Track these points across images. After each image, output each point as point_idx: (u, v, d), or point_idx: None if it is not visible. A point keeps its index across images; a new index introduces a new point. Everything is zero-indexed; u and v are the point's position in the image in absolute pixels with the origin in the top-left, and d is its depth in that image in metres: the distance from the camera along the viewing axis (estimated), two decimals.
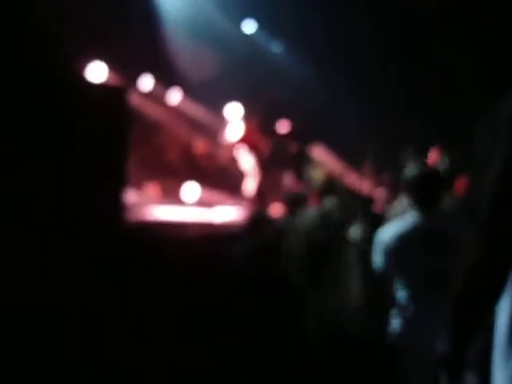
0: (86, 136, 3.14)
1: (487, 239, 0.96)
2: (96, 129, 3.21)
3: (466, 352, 1.04)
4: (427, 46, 6.18)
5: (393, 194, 5.16)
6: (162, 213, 5.30)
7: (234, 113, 6.78)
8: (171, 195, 6.31)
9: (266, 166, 6.43)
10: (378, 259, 2.04)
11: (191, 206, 6.06)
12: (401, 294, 1.99)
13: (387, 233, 2.03)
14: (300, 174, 6.82)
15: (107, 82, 5.85)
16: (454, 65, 5.92)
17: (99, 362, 2.61)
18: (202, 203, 6.19)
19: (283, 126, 7.42)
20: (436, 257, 1.91)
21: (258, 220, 3.24)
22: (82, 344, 2.63)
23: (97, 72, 5.89)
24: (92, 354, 2.62)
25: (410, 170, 2.03)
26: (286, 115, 7.36)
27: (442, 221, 2.00)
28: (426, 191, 1.98)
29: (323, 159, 6.96)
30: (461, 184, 4.41)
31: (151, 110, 6.72)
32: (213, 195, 6.45)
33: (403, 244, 1.97)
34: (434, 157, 6.09)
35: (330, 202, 2.75)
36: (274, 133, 7.24)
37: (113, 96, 3.33)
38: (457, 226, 2.02)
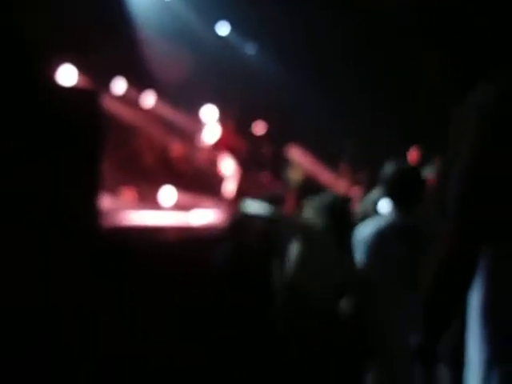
0: (57, 140, 3.06)
1: (458, 230, 0.97)
2: (68, 133, 3.14)
3: (439, 342, 1.05)
4: (398, 45, 6.29)
5: (368, 193, 5.22)
6: (139, 217, 5.22)
7: (209, 115, 6.76)
8: (148, 199, 6.23)
9: (244, 167, 6.42)
10: (356, 256, 2.04)
11: (168, 210, 6.00)
12: (380, 292, 2.00)
13: (365, 231, 2.03)
14: (277, 175, 6.85)
15: (78, 85, 5.74)
16: (424, 61, 6.03)
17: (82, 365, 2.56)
18: (179, 207, 6.13)
19: (259, 128, 7.44)
20: (412, 255, 1.92)
21: (238, 222, 3.22)
22: (59, 347, 2.57)
23: (67, 75, 5.78)
24: (70, 355, 2.57)
25: (389, 168, 2.03)
26: (262, 116, 7.38)
27: (419, 219, 2.00)
28: (403, 189, 1.99)
29: (300, 159, 6.99)
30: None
31: (125, 114, 6.63)
32: (190, 198, 6.41)
33: (380, 242, 1.98)
34: (414, 156, 6.19)
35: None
36: (250, 134, 7.24)
37: (84, 99, 3.26)
38: (435, 225, 2.03)
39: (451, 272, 0.98)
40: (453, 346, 1.17)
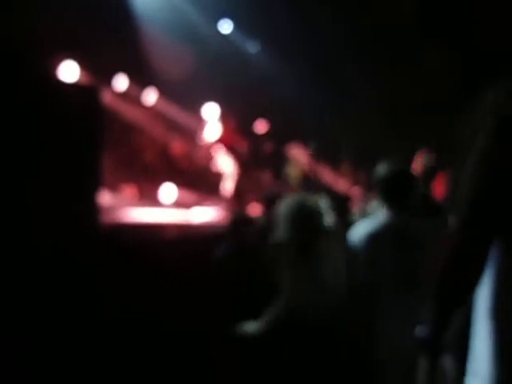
0: (58, 136, 3.06)
1: (469, 226, 0.99)
2: (68, 129, 3.13)
3: (445, 334, 1.08)
4: (402, 44, 6.28)
5: (368, 192, 5.23)
6: (139, 215, 5.22)
7: (211, 113, 6.74)
8: (148, 197, 6.23)
9: (244, 166, 6.42)
10: (349, 257, 2.03)
11: (169, 208, 6.00)
12: (374, 292, 1.99)
13: (358, 232, 2.03)
14: (278, 174, 6.84)
15: (80, 81, 5.74)
16: (432, 63, 6.03)
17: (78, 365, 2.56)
18: (179, 204, 6.13)
19: (261, 126, 7.43)
20: (405, 256, 1.91)
21: (238, 220, 3.21)
22: (57, 347, 2.57)
23: (69, 71, 5.78)
24: (69, 356, 2.56)
25: (382, 169, 2.02)
26: (264, 115, 7.37)
27: (412, 220, 1.99)
28: (396, 190, 1.98)
29: (301, 158, 6.99)
30: (440, 181, 4.48)
31: (127, 111, 6.63)
32: (190, 196, 6.40)
33: (374, 243, 1.96)
34: (419, 160, 6.14)
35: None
36: (251, 133, 7.23)
37: (85, 96, 3.26)
38: (427, 226, 2.03)
39: (461, 267, 1.00)
40: (458, 338, 1.19)
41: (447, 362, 1.55)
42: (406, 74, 6.34)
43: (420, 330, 1.11)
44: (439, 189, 4.10)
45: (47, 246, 2.93)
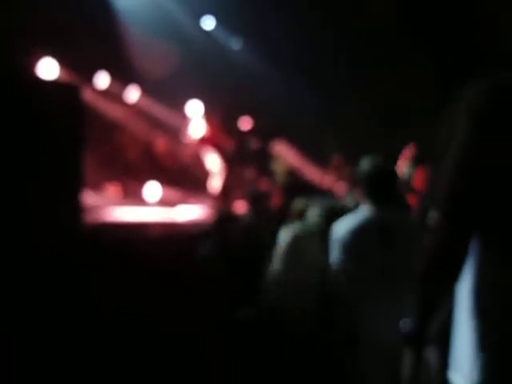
0: (38, 136, 3.00)
1: (449, 222, 1.01)
2: (48, 128, 3.07)
3: (428, 327, 1.10)
4: (386, 41, 6.32)
5: (352, 188, 5.26)
6: (123, 213, 5.17)
7: (195, 110, 6.70)
8: (133, 195, 6.17)
9: (229, 163, 6.40)
10: (333, 252, 2.03)
11: (153, 206, 5.95)
12: (356, 287, 2.00)
13: (342, 227, 2.03)
14: (263, 171, 6.84)
15: (60, 79, 5.64)
16: (411, 63, 6.10)
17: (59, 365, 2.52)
18: (164, 202, 6.09)
19: (245, 123, 7.41)
20: (388, 251, 1.92)
21: (223, 217, 3.20)
22: (41, 347, 2.53)
23: (48, 69, 5.67)
24: (51, 356, 2.52)
25: (364, 164, 2.03)
26: (248, 112, 7.35)
27: (395, 215, 2.01)
28: (379, 185, 1.99)
29: (286, 155, 6.99)
30: (420, 176, 4.53)
31: (109, 109, 6.54)
32: (175, 194, 6.36)
33: (357, 238, 1.97)
34: (406, 156, 6.21)
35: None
36: (236, 130, 7.21)
37: (65, 93, 3.20)
38: (409, 221, 2.04)
39: (442, 261, 1.02)
40: (442, 331, 1.21)
41: (431, 355, 1.57)
42: (391, 74, 6.39)
43: (404, 324, 1.13)
44: (420, 185, 4.15)
45: (28, 246, 2.87)
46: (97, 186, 5.73)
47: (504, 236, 0.96)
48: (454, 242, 1.01)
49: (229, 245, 3.10)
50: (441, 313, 1.10)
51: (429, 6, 5.73)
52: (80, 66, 5.90)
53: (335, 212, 1.86)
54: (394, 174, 2.09)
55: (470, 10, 5.22)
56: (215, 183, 6.24)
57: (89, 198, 4.74)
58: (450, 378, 1.05)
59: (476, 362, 0.97)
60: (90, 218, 4.02)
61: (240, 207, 5.07)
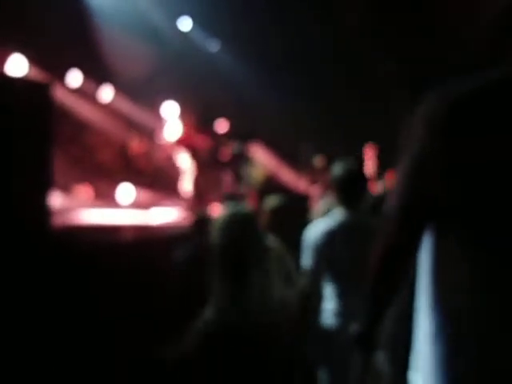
0: (3, 133, 2.87)
1: (396, 222, 1.03)
2: (15, 126, 2.94)
3: (377, 329, 1.11)
4: (356, 46, 6.41)
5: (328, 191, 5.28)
6: (94, 216, 5.03)
7: (170, 112, 6.61)
8: (105, 197, 6.02)
9: (205, 165, 6.33)
10: (306, 257, 2.04)
11: (126, 208, 5.82)
12: (328, 291, 2.01)
13: (315, 230, 2.04)
14: (238, 174, 6.80)
15: (29, 76, 5.46)
16: (382, 67, 6.22)
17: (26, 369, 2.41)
18: (138, 205, 5.97)
19: (221, 126, 7.36)
20: (361, 255, 1.92)
21: (201, 220, 3.14)
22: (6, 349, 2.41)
23: (17, 66, 5.49)
24: (16, 360, 2.41)
25: (337, 168, 2.05)
26: (224, 114, 7.31)
27: (366, 217, 2.04)
28: (351, 189, 2.02)
29: (261, 158, 6.98)
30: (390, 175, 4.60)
31: (81, 108, 6.37)
32: (149, 196, 6.25)
33: (330, 240, 1.98)
34: (369, 153, 6.31)
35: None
36: (212, 132, 7.16)
37: (34, 91, 3.07)
38: (379, 222, 2.05)
39: (390, 261, 1.04)
40: (392, 334, 1.20)
41: (380, 358, 1.57)
42: (367, 76, 6.48)
43: (354, 326, 1.14)
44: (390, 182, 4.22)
45: None
46: (66, 188, 5.56)
47: (459, 236, 0.95)
48: (401, 240, 1.02)
49: (205, 248, 3.04)
50: (390, 315, 1.09)
51: (392, 17, 5.88)
52: (52, 64, 5.73)
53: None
54: (364, 177, 2.13)
55: (432, 22, 5.40)
56: (188, 185, 6.16)
57: (57, 199, 4.60)
58: (411, 378, 1.04)
59: (436, 362, 0.96)
60: (57, 220, 3.88)
61: (215, 210, 5.01)
